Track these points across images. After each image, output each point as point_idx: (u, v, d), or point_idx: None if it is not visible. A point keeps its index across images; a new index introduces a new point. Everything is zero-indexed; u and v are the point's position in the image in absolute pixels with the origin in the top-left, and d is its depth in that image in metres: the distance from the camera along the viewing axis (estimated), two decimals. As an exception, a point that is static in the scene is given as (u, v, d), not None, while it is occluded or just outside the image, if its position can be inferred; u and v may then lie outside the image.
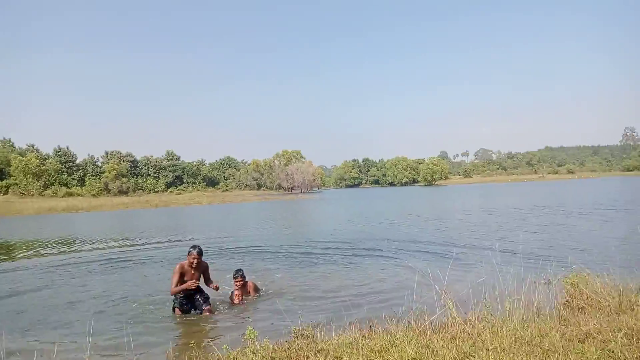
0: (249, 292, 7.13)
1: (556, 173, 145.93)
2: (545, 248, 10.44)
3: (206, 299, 6.45)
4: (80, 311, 6.84)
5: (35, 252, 14.40)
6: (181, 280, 6.27)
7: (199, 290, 6.47)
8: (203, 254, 6.51)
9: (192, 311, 6.40)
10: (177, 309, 6.37)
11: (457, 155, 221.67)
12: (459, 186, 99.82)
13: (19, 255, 13.72)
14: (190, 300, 6.41)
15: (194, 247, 6.48)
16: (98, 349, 4.74)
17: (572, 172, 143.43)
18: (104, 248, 14.67)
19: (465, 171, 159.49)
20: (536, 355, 3.26)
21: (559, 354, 3.26)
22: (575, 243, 11.16)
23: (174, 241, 16.00)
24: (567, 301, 5.39)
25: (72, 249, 14.66)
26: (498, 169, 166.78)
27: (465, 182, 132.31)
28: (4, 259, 13.13)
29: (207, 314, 6.27)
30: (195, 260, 6.32)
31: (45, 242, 17.23)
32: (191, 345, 4.83)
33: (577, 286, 5.78)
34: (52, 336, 5.47)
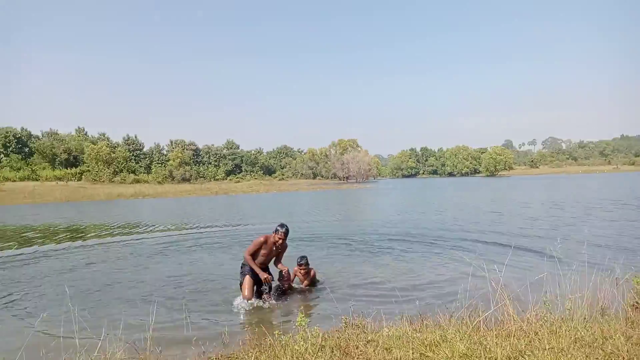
0: (308, 281, 7.10)
1: (633, 164, 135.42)
2: (613, 246, 9.79)
3: (270, 287, 6.43)
4: (143, 290, 7.28)
5: (106, 233, 15.43)
6: (257, 252, 6.31)
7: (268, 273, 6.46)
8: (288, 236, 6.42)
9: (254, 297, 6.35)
10: (247, 276, 6.28)
11: (523, 144, 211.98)
12: (523, 177, 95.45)
13: (91, 236, 14.74)
14: (258, 280, 6.36)
15: (281, 225, 6.37)
16: (159, 328, 5.01)
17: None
18: (168, 232, 15.44)
19: (532, 161, 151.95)
20: (597, 358, 3.10)
21: (623, 358, 3.08)
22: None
23: (234, 226, 16.56)
24: (637, 302, 5.05)
25: (139, 232, 15.56)
26: (568, 159, 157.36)
27: (531, 172, 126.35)
28: (78, 238, 14.17)
29: (267, 298, 6.30)
30: (280, 240, 6.27)
31: (115, 225, 18.39)
32: (245, 329, 5.02)
33: (649, 287, 5.41)
34: (118, 313, 5.87)
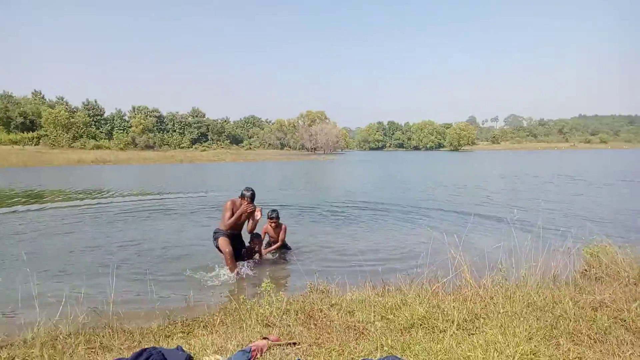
0: (281, 236, 7.03)
1: (588, 142, 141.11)
2: (565, 217, 10.27)
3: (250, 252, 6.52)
4: (105, 256, 7.15)
5: (63, 200, 14.95)
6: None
7: (241, 242, 6.38)
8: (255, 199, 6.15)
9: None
10: (221, 238, 6.05)
11: (487, 121, 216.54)
12: (485, 152, 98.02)
13: (48, 203, 14.26)
14: (234, 241, 6.19)
15: (247, 189, 6.10)
16: (122, 293, 4.96)
17: (604, 142, 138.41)
18: (131, 199, 15.11)
19: (494, 137, 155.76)
20: (546, 321, 3.28)
21: (570, 321, 3.28)
22: (597, 214, 10.93)
23: (199, 195, 16.37)
24: (585, 270, 5.35)
25: (100, 198, 15.16)
26: (528, 136, 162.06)
27: (492, 148, 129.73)
28: (34, 204, 13.68)
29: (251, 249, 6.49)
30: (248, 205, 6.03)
31: (74, 191, 17.83)
32: (211, 294, 5.03)
33: (597, 256, 5.72)
34: (79, 281, 5.75)
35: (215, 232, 6.26)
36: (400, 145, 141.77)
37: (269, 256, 7.01)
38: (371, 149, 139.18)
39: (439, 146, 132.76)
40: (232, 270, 5.95)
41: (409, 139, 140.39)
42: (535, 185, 19.05)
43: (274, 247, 7.02)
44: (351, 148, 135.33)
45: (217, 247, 6.12)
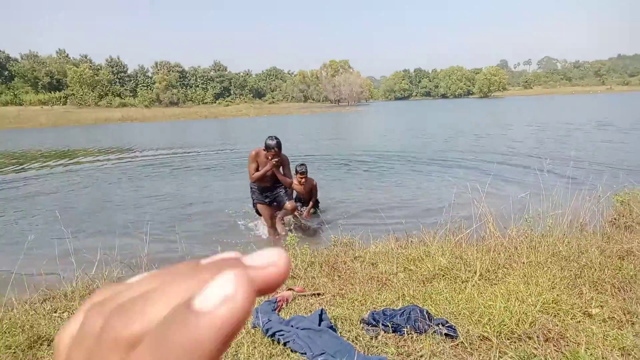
0: (311, 191, 6.73)
1: (627, 84, 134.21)
2: (596, 165, 9.97)
3: (289, 194, 5.79)
4: (135, 213, 7.40)
5: (94, 158, 15.38)
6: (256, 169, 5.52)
7: (278, 182, 5.63)
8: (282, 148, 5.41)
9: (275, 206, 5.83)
10: (259, 205, 5.70)
11: (519, 65, 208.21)
12: (516, 98, 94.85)
13: (79, 161, 14.71)
14: (272, 193, 5.72)
15: (271, 137, 5.27)
16: (153, 249, 5.15)
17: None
18: (160, 154, 15.41)
19: (526, 82, 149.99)
20: (571, 270, 3.27)
21: (595, 270, 3.26)
22: (630, 161, 10.57)
23: (227, 150, 16.57)
24: (615, 219, 5.26)
25: (130, 155, 15.53)
26: (562, 79, 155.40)
27: (524, 93, 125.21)
28: (65, 162, 14.15)
29: (289, 209, 5.67)
30: (274, 156, 5.30)
31: (104, 149, 18.28)
32: (238, 248, 5.18)
33: (628, 204, 5.60)
34: (111, 236, 6.00)
35: (251, 191, 5.82)
36: (427, 94, 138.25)
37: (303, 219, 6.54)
38: (396, 98, 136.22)
39: (468, 93, 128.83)
40: (272, 233, 5.83)
41: (437, 86, 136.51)
42: (564, 132, 18.46)
43: (307, 209, 6.63)
44: (376, 98, 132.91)
45: (257, 211, 5.90)
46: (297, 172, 6.46)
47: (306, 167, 6.60)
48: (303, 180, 6.56)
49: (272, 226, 5.83)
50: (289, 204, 5.64)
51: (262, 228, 6.09)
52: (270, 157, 5.30)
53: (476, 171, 10.03)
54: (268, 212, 5.77)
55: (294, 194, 6.59)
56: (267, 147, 5.27)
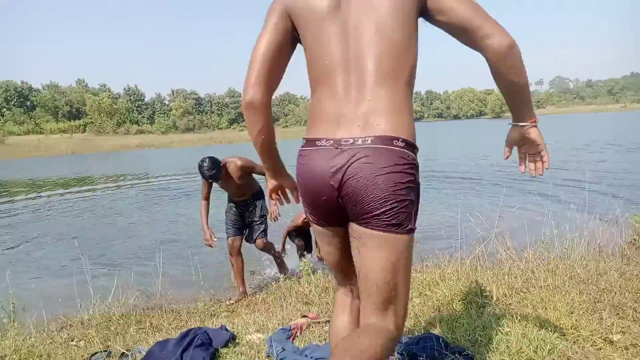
0: None
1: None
2: (614, 186, 9.82)
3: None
4: (150, 240, 7.48)
5: (111, 183, 15.65)
6: None
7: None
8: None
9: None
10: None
11: (531, 84, 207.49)
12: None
13: (100, 186, 14.98)
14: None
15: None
16: (168, 276, 5.17)
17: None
18: (175, 180, 15.60)
19: (538, 102, 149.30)
20: (589, 294, 3.20)
21: (615, 293, 3.18)
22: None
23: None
24: (634, 240, 5.15)
25: (146, 181, 15.77)
26: (575, 98, 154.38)
27: (537, 113, 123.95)
28: (87, 190, 14.41)
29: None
30: None
31: (121, 175, 18.60)
32: (252, 274, 5.18)
33: (647, 225, 5.49)
34: (127, 263, 6.07)
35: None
36: (439, 115, 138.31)
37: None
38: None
39: (480, 114, 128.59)
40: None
41: (448, 108, 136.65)
42: (579, 152, 18.27)
43: None
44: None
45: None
46: None
47: None
48: None
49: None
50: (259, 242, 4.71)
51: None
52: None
53: (492, 191, 9.94)
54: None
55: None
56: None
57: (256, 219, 4.58)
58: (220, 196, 4.94)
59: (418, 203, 1.46)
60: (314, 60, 1.45)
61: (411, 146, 1.38)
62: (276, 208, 4.28)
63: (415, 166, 1.39)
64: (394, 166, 1.31)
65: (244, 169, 4.32)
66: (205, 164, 4.14)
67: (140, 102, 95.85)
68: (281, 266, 5.05)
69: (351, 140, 1.33)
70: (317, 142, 1.41)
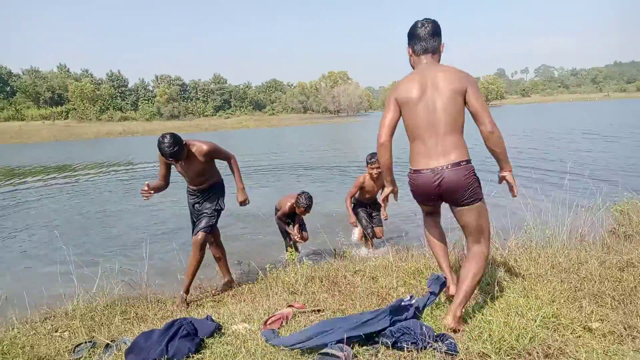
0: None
1: (624, 91, 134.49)
2: (595, 174, 9.99)
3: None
4: (135, 229, 7.41)
5: (95, 171, 15.42)
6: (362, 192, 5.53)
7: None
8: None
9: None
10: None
11: (516, 73, 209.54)
12: (514, 106, 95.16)
13: (83, 174, 14.74)
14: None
15: (372, 154, 5.15)
16: (153, 266, 5.15)
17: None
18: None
19: (524, 90, 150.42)
20: (571, 282, 3.27)
21: (595, 282, 3.25)
22: (629, 169, 10.58)
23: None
24: (614, 228, 5.26)
25: (129, 169, 15.57)
26: (559, 87, 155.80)
27: (522, 102, 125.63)
28: (70, 176, 14.18)
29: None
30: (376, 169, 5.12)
31: (105, 163, 18.32)
32: (239, 263, 5.18)
33: (627, 213, 5.60)
34: (112, 253, 6.02)
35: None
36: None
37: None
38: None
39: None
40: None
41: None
42: (561, 141, 18.51)
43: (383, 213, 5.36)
44: (375, 109, 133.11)
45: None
46: (368, 162, 5.29)
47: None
48: (376, 170, 5.17)
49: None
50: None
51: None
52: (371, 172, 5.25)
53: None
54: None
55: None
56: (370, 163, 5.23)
57: (206, 210, 4.17)
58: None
59: (480, 186, 2.73)
60: (410, 125, 2.70)
61: (468, 161, 2.66)
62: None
63: (472, 170, 2.68)
64: (464, 175, 2.62)
65: (210, 153, 4.02)
66: (165, 140, 3.69)
67: (123, 88, 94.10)
68: (224, 269, 4.61)
69: (440, 167, 2.61)
70: (421, 170, 2.69)
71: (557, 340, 2.41)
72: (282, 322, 2.93)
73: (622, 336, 2.44)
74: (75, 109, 75.54)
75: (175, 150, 3.70)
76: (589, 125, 26.33)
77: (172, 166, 4.12)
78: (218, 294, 4.20)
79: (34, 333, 3.24)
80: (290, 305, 3.26)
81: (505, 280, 3.46)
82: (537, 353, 2.28)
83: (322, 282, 3.83)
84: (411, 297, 2.81)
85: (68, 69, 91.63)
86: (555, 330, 2.54)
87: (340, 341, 2.40)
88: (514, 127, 29.63)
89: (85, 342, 2.94)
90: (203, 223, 4.10)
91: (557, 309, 2.79)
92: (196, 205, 4.25)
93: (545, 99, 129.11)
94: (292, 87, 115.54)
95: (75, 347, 2.88)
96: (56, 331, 3.31)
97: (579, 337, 2.45)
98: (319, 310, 3.20)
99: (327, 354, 2.33)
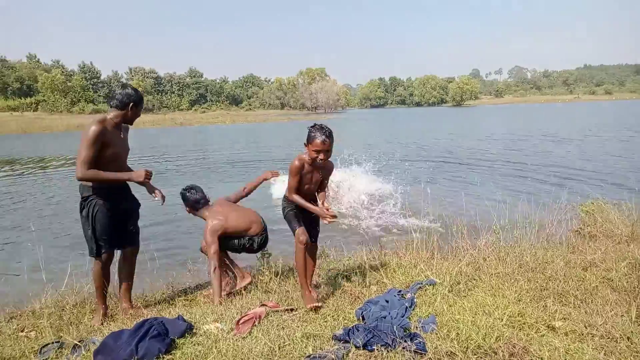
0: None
1: (593, 94, 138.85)
2: (561, 176, 10.28)
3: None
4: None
5: (65, 165, 15.03)
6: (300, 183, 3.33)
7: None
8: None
9: None
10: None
11: (490, 74, 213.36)
12: (487, 107, 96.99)
13: (53, 168, 14.34)
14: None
15: (319, 128, 3.14)
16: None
17: (609, 93, 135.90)
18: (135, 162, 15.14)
19: (497, 91, 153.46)
20: (537, 282, 3.37)
21: (560, 281, 3.36)
22: (591, 171, 10.91)
23: (203, 158, 16.42)
24: (580, 229, 5.44)
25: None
26: (532, 88, 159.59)
27: (496, 102, 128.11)
28: (40, 169, 13.79)
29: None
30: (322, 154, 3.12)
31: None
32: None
33: (592, 214, 5.80)
34: (83, 251, 5.87)
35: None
36: (402, 102, 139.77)
37: None
38: (372, 106, 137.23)
39: (442, 102, 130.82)
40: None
41: (411, 94, 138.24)
42: (533, 142, 18.98)
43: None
44: (352, 106, 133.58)
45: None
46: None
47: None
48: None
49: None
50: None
51: None
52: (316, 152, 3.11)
53: (448, 182, 10.21)
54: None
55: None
56: (311, 140, 3.13)
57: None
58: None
59: None
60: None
61: None
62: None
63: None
64: None
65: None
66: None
67: (96, 80, 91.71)
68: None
69: None
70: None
71: (522, 339, 2.48)
72: (254, 322, 2.93)
73: (582, 334, 2.53)
74: (46, 101, 73.32)
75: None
76: (555, 128, 27.06)
77: None
78: (190, 293, 4.16)
79: (-1, 333, 3.16)
80: (263, 304, 3.26)
81: (474, 279, 3.54)
82: (503, 352, 2.35)
83: (296, 280, 3.85)
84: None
85: (38, 59, 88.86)
86: (520, 329, 2.62)
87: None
88: (494, 128, 30.22)
89: (53, 343, 2.87)
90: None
91: (523, 307, 2.88)
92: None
93: (518, 100, 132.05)
94: (270, 82, 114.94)
95: (41, 348, 2.81)
96: (22, 331, 3.23)
97: (543, 335, 2.53)
98: (292, 309, 3.21)
99: (315, 357, 2.36)
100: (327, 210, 3.21)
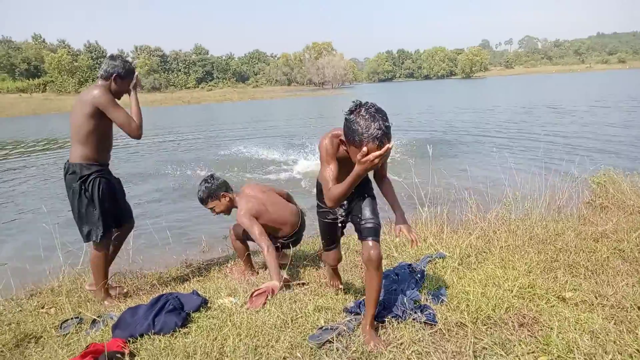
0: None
1: (605, 63, 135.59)
2: (573, 147, 10.16)
3: None
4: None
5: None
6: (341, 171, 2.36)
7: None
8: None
9: None
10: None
11: (500, 44, 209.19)
12: (497, 78, 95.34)
13: (66, 149, 14.47)
14: None
15: (371, 116, 1.92)
16: (138, 242, 5.14)
17: (623, 62, 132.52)
18: (146, 142, 15.23)
19: (507, 61, 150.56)
20: (547, 253, 3.38)
21: (571, 253, 3.37)
22: (603, 143, 10.75)
23: (212, 137, 16.45)
24: (591, 200, 5.40)
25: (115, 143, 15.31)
26: (543, 58, 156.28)
27: (505, 73, 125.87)
28: (49, 151, 13.93)
29: None
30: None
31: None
32: (223, 239, 5.20)
33: (604, 185, 5.75)
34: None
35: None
36: (411, 75, 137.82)
37: None
38: (380, 80, 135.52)
39: (451, 74, 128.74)
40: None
41: (420, 67, 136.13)
42: (543, 113, 18.70)
43: None
44: (360, 81, 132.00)
45: None
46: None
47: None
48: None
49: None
50: None
51: None
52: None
53: (458, 154, 10.14)
54: None
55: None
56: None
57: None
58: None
59: None
60: None
61: None
62: None
63: None
64: None
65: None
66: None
67: (102, 59, 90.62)
68: None
69: None
70: None
71: (531, 310, 2.51)
72: (267, 296, 2.99)
73: (592, 305, 2.55)
74: (53, 82, 73.35)
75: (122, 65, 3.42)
76: (567, 99, 26.59)
77: None
78: (204, 268, 4.22)
79: (20, 310, 3.25)
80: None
81: (484, 252, 3.56)
82: (513, 322, 2.38)
83: (305, 260, 3.90)
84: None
85: (44, 39, 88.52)
86: (530, 300, 2.64)
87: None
88: (504, 100, 29.80)
89: (72, 318, 2.96)
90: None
91: (533, 279, 2.90)
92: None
93: (529, 71, 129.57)
94: (276, 58, 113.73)
95: (62, 323, 2.90)
96: (42, 307, 3.32)
97: (553, 306, 2.56)
98: (303, 284, 3.26)
99: (327, 328, 2.40)
100: (414, 242, 2.35)
